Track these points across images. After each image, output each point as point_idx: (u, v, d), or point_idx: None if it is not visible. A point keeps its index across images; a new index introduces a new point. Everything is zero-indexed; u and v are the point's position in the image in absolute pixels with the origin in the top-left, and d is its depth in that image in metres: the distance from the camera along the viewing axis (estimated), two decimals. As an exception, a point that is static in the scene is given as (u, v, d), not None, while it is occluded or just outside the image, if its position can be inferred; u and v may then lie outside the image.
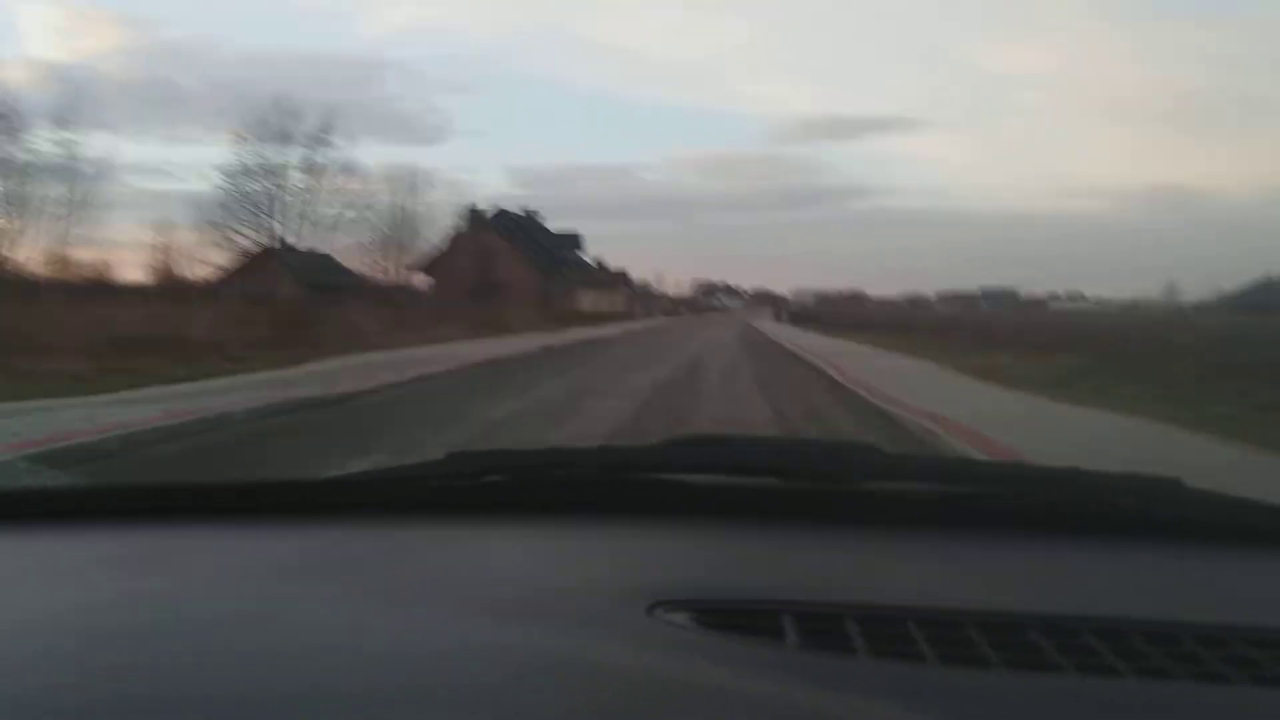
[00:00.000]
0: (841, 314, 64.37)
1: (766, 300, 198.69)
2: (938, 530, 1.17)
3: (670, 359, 20.85)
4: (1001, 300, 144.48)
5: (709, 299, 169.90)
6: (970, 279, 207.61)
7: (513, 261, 57.02)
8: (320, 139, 26.49)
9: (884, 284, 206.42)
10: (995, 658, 0.80)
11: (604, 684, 0.72)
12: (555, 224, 68.61)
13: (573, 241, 70.36)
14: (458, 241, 57.73)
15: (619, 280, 79.58)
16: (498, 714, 0.67)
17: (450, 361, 17.32)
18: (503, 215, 61.11)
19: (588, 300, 68.44)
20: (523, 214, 65.13)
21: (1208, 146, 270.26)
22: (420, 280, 54.49)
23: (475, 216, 58.04)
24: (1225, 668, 0.80)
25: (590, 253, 78.01)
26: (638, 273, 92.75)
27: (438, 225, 51.08)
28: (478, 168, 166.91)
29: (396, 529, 1.20)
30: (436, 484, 1.33)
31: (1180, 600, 1.00)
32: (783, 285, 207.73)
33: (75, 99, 23.78)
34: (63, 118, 23.89)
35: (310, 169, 26.55)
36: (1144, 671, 0.79)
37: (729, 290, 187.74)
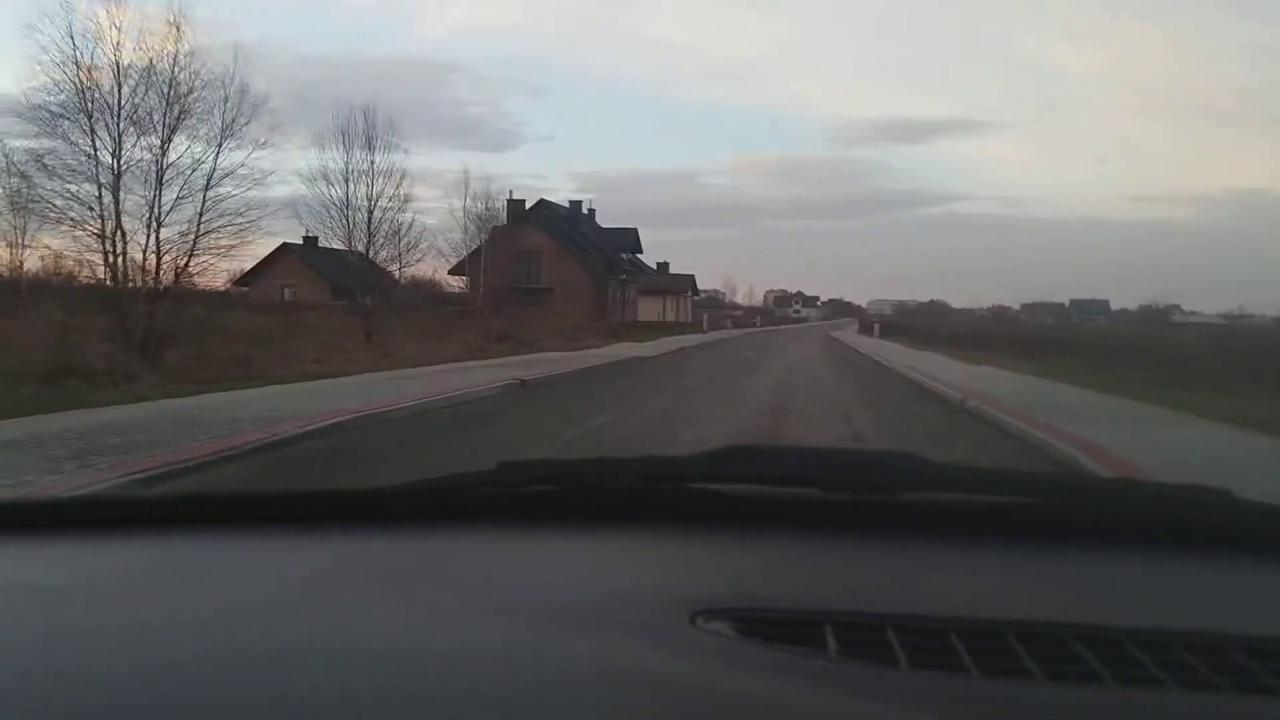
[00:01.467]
0: (932, 327, 54.09)
1: (843, 310, 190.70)
2: (981, 541, 1.15)
3: (730, 414, 11.06)
4: (1094, 311, 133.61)
5: (784, 309, 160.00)
6: (1049, 289, 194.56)
7: (559, 262, 47.69)
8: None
9: (960, 294, 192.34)
10: (1037, 669, 0.78)
11: (646, 693, 0.72)
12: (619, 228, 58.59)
13: (630, 239, 58.50)
14: (494, 238, 48.67)
15: (685, 286, 69.71)
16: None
17: (258, 429, 7.82)
18: (545, 207, 51.54)
19: (648, 308, 58.87)
20: (569, 206, 55.11)
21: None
22: (456, 283, 46.03)
23: (512, 208, 48.86)
24: (1273, 681, 0.77)
25: (654, 257, 68.72)
26: (708, 281, 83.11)
27: (470, 221, 41.90)
28: (545, 173, 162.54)
29: (445, 537, 1.20)
30: (486, 492, 1.33)
31: (1226, 612, 0.95)
32: (858, 295, 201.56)
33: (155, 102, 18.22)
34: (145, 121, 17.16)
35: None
36: (1187, 684, 0.76)
37: (804, 300, 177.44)
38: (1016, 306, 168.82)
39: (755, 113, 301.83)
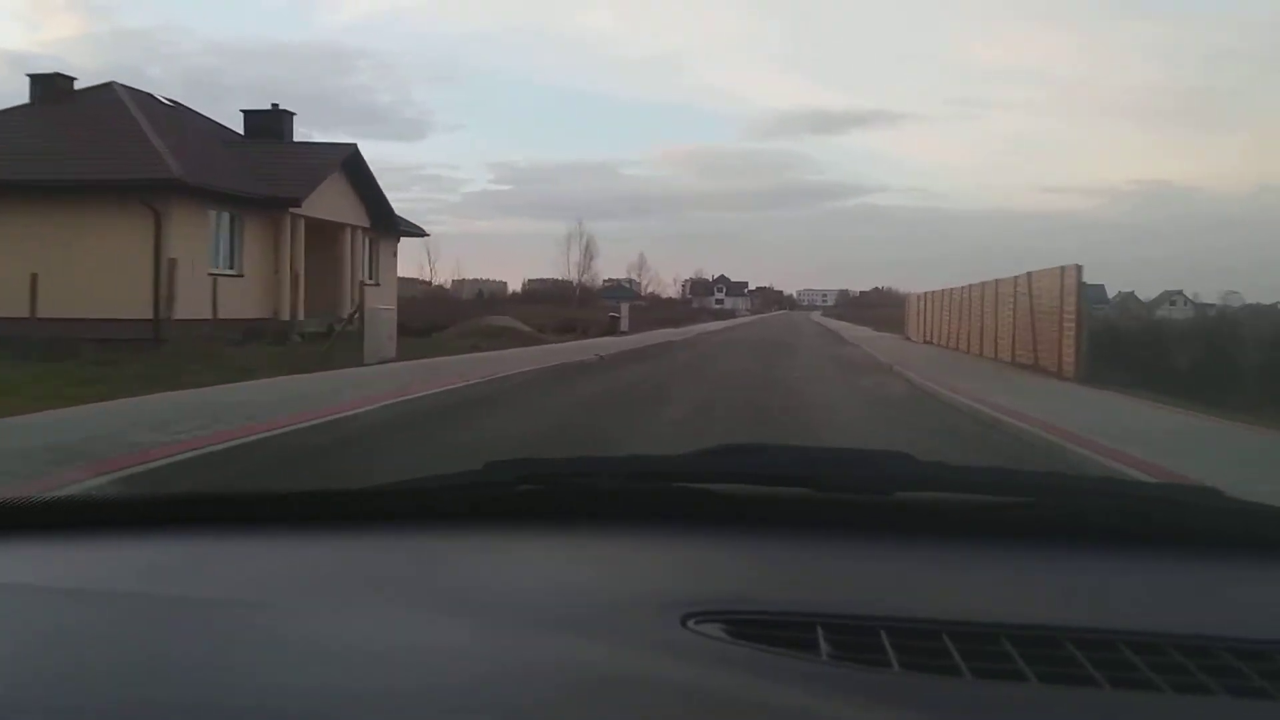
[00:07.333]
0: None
1: (774, 300, 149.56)
2: (973, 541, 1.12)
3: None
4: (1091, 300, 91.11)
5: (703, 298, 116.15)
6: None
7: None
8: None
9: (896, 284, 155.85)
10: (1030, 671, 0.75)
11: (636, 696, 0.69)
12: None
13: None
14: None
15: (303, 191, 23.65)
16: None
17: None
18: None
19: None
20: None
21: (1193, 142, 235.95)
22: None
23: None
24: (1266, 683, 0.74)
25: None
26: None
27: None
28: (458, 164, 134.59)
29: (432, 538, 1.16)
30: (472, 493, 1.27)
31: (1219, 613, 0.92)
32: (784, 285, 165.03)
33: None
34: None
35: None
36: (1181, 686, 0.73)
37: (730, 286, 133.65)
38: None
39: (674, 105, 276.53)
